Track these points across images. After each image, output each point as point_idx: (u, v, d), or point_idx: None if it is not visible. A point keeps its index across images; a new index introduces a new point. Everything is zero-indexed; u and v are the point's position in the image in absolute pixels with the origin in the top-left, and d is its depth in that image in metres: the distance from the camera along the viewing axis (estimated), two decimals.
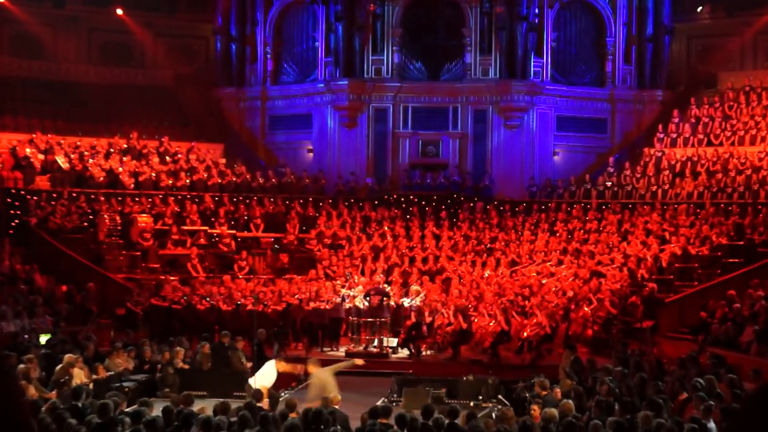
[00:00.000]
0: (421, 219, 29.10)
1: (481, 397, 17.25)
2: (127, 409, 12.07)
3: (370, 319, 21.88)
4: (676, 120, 31.25)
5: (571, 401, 12.39)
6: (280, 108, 33.99)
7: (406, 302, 22.90)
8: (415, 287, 23.36)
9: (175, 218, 28.08)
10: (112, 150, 30.17)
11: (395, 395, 17.59)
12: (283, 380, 16.89)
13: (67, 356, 16.20)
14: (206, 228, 27.93)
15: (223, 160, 31.80)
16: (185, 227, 27.78)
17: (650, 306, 22.35)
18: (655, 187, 28.95)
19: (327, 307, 22.71)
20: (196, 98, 33.89)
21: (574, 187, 30.36)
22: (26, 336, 19.98)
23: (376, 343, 21.91)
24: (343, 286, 23.43)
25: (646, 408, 11.54)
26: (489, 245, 27.26)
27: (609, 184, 29.85)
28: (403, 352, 22.20)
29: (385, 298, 21.99)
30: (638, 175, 29.70)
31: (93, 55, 33.83)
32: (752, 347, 18.71)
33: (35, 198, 26.97)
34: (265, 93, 33.95)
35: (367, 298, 22.04)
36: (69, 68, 33.02)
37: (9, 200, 26.76)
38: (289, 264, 26.88)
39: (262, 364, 17.25)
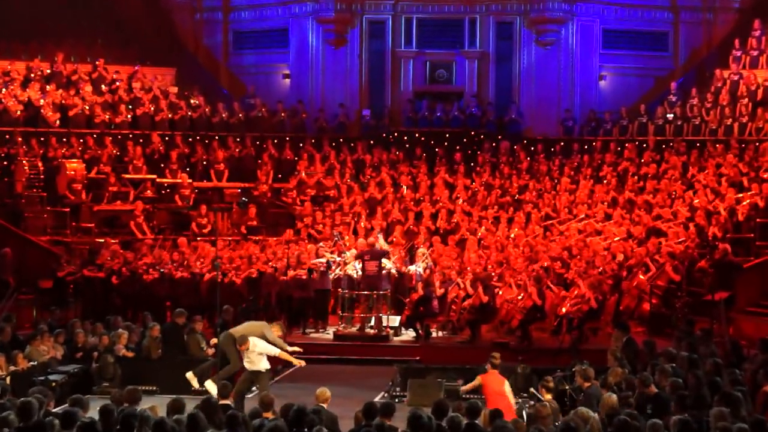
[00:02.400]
0: (430, 163, 28.96)
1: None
2: (56, 410, 12.01)
3: (366, 292, 21.83)
4: (758, 33, 30.97)
5: (614, 395, 12.29)
6: (247, 21, 33.69)
7: (411, 270, 22.83)
8: (422, 251, 23.30)
9: (113, 164, 27.91)
10: (31, 76, 29.92)
11: (398, 389, 17.64)
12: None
13: None
14: (154, 176, 27.81)
15: (175, 89, 31.58)
16: (127, 176, 27.63)
17: (724, 273, 22.26)
18: (730, 120, 28.81)
19: (311, 276, 22.64)
20: (139, 8, 33.51)
21: (626, 121, 30.19)
22: None
23: (373, 322, 21.88)
24: (330, 250, 23.36)
25: (719, 403, 11.50)
26: (517, 196, 27.16)
27: (671, 116, 29.69)
28: (408, 334, 22.21)
29: (384, 264, 21.89)
30: (708, 105, 29.52)
31: None
32: None
33: None
34: (227, 1, 33.64)
35: (360, 264, 21.94)
36: None
37: None
38: (261, 222, 26.80)
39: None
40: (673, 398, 12.39)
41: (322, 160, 28.99)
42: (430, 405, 11.82)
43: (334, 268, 22.71)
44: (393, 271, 22.50)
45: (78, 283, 23.35)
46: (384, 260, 22.07)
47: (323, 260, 22.73)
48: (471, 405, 11.60)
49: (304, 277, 22.56)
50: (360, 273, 21.95)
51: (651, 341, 17.13)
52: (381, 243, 22.80)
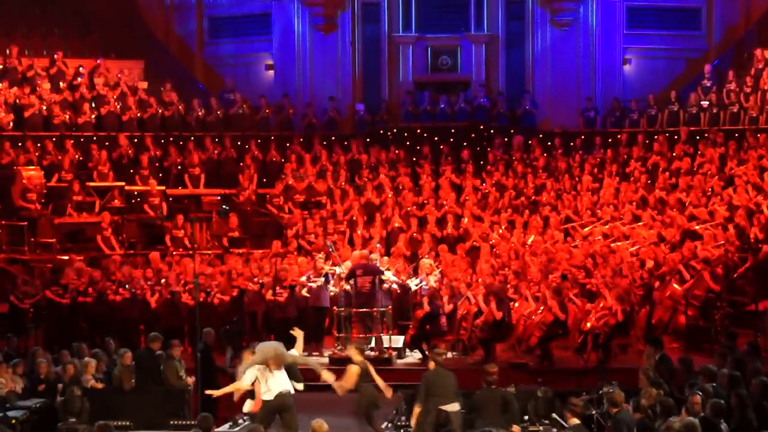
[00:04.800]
0: (434, 162, 28.98)
1: (527, 417, 17.27)
2: None
3: (364, 310, 21.83)
4: None
5: None
6: (224, 5, 33.74)
7: (414, 284, 22.83)
8: (427, 261, 23.29)
9: (76, 171, 27.91)
10: None
11: (403, 418, 17.62)
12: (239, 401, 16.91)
13: None
14: (122, 184, 27.81)
15: (145, 84, 31.58)
16: (91, 183, 27.61)
17: None
18: None
19: (302, 293, 22.63)
20: None
21: (655, 110, 30.25)
22: None
23: (373, 343, 21.89)
24: (325, 263, 23.33)
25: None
26: (533, 198, 27.17)
27: (705, 104, 29.72)
28: (414, 356, 22.19)
29: (378, 279, 21.83)
30: (748, 90, 29.54)
31: None
32: None
33: None
34: None
35: (351, 281, 21.89)
36: None
37: None
38: (245, 233, 26.80)
39: (212, 377, 17.31)
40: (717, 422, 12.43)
41: (312, 161, 28.97)
42: None
43: (332, 282, 22.66)
44: (394, 285, 22.48)
45: (39, 307, 23.32)
46: (386, 274, 22.04)
47: (322, 274, 22.67)
48: None
49: (285, 296, 22.58)
50: (352, 289, 21.93)
51: (688, 358, 17.14)
52: (376, 258, 22.73)
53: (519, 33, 31.91)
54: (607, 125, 30.55)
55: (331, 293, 22.67)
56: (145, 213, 27.37)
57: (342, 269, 22.62)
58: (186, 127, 30.34)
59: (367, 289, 21.65)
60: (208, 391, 16.45)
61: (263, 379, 15.45)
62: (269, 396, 15.41)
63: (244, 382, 15.63)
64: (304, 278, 22.69)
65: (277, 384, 15.43)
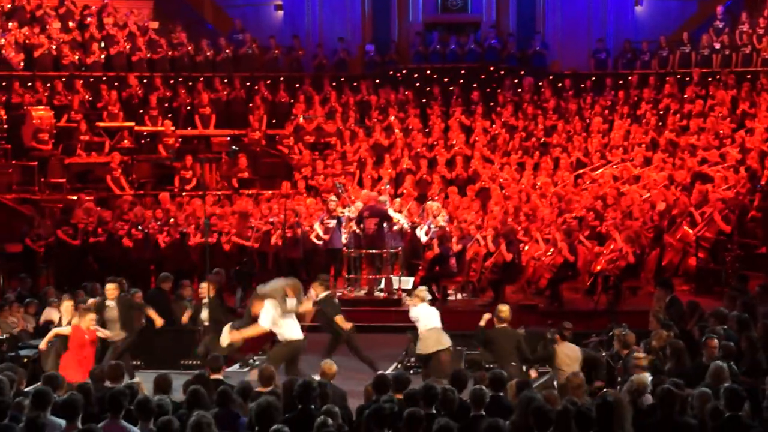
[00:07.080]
0: (444, 104, 28.89)
1: None
2: (28, 389, 12.04)
3: (374, 251, 21.81)
4: None
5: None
6: None
7: (422, 231, 22.77)
8: (436, 204, 23.24)
9: (85, 111, 27.88)
10: None
11: (413, 359, 17.67)
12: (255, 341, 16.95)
13: None
14: (132, 124, 27.79)
15: (155, 24, 31.45)
16: (101, 124, 27.62)
17: None
18: None
19: (315, 235, 22.60)
20: None
21: (666, 52, 30.08)
22: None
23: (383, 284, 21.89)
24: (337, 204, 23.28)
25: None
26: (543, 139, 27.10)
27: (718, 45, 29.55)
28: None
29: (385, 222, 21.74)
30: (761, 31, 29.37)
31: None
32: None
33: None
34: None
35: (360, 224, 21.80)
36: None
37: None
38: (254, 174, 26.78)
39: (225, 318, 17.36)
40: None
41: (321, 102, 28.92)
42: (447, 376, 11.83)
43: (344, 224, 22.57)
44: (405, 226, 22.43)
45: (50, 247, 23.33)
46: (396, 215, 21.97)
47: (336, 216, 22.60)
48: (495, 375, 11.59)
49: (312, 235, 22.52)
50: (360, 231, 21.88)
51: (696, 303, 17.09)
52: (385, 199, 22.62)
53: None
54: (618, 67, 30.43)
55: (344, 235, 22.66)
56: (155, 153, 27.35)
57: (352, 211, 22.56)
58: (195, 68, 30.24)
59: (373, 230, 21.58)
60: (231, 338, 16.18)
61: (277, 322, 15.37)
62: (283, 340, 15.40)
63: (263, 324, 15.38)
64: (317, 224, 22.57)
65: (289, 330, 15.39)
